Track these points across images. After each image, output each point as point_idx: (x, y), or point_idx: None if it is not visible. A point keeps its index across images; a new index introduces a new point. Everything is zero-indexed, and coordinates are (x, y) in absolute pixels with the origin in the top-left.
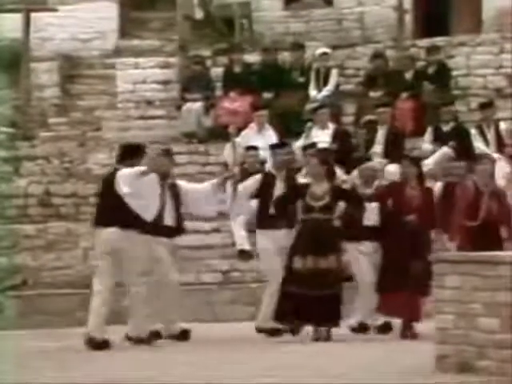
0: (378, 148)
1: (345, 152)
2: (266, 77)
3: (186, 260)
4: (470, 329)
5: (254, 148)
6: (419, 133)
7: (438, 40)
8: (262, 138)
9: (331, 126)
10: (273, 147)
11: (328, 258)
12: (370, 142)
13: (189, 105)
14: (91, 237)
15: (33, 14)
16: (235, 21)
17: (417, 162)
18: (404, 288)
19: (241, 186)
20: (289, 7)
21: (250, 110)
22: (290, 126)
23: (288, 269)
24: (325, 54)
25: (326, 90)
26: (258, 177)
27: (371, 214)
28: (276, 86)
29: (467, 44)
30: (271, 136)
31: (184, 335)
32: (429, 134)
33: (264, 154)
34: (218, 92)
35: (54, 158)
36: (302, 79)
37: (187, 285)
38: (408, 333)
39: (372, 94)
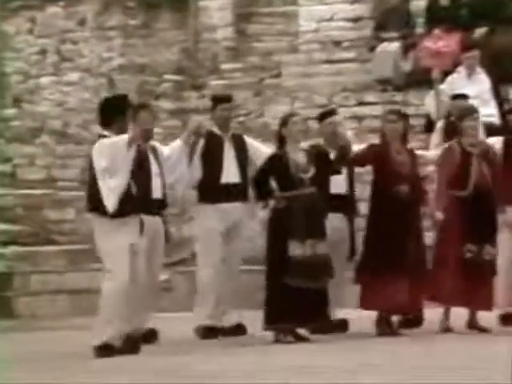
0: None
1: None
2: (479, 10)
3: None
4: None
5: (463, 96)
6: None
7: None
8: (472, 84)
9: None
10: None
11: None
12: None
13: (384, 45)
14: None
15: None
16: None
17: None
18: (398, 275)
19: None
20: None
21: (459, 51)
22: (506, 69)
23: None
24: None
25: None
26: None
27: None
28: (491, 21)
29: None
30: (483, 81)
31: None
32: None
33: (475, 103)
34: (420, 29)
35: None
36: None
37: None
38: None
39: None
